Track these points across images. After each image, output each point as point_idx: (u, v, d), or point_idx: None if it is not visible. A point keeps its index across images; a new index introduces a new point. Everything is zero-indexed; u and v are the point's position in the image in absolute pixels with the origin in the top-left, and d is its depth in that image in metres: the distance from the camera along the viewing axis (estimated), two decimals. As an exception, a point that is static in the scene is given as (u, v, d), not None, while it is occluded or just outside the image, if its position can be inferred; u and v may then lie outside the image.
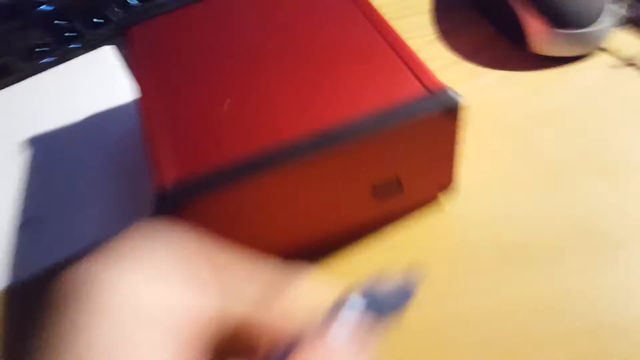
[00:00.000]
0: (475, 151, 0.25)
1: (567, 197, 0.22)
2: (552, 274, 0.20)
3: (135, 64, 0.23)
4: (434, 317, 0.19)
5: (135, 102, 0.22)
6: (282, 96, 0.20)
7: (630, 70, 0.27)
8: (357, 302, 0.12)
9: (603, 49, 0.29)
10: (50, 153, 0.31)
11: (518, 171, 0.24)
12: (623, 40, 0.29)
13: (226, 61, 0.22)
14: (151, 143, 0.19)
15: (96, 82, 0.34)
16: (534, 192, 0.23)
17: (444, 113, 0.19)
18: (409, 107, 0.18)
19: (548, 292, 0.20)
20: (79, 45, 0.37)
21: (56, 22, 0.39)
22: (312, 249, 0.21)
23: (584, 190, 0.23)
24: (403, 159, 0.20)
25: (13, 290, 0.24)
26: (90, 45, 0.37)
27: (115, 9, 0.39)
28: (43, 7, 0.40)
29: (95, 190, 0.28)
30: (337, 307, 0.12)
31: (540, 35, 0.28)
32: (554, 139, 0.25)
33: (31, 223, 0.27)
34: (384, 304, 0.12)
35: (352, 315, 0.12)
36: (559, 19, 0.28)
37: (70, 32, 0.38)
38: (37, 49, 0.37)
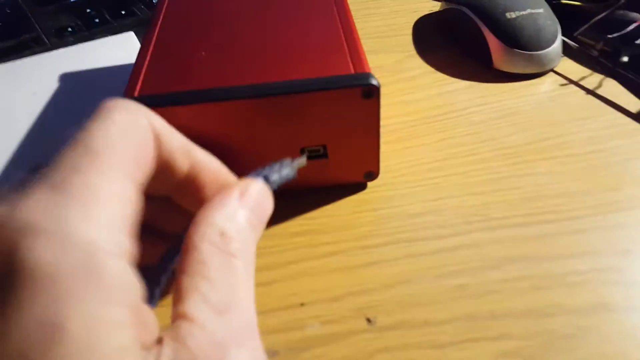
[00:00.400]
0: (439, 139, 0.30)
1: (516, 174, 0.27)
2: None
3: (154, 17, 0.29)
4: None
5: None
6: (245, 54, 0.25)
7: (574, 87, 0.32)
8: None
9: (554, 71, 0.34)
10: (66, 110, 0.35)
11: (477, 155, 0.28)
12: (570, 65, 0.34)
13: (216, 23, 0.28)
14: (133, 70, 0.24)
15: (116, 59, 0.39)
16: (491, 170, 0.27)
17: (362, 90, 0.22)
18: (335, 79, 0.23)
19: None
20: (99, 31, 0.42)
21: (87, 10, 0.44)
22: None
23: (530, 170, 0.27)
24: (329, 129, 0.24)
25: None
26: (114, 32, 0.42)
27: (142, 6, 0.45)
28: (78, -2, 0.46)
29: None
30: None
31: (501, 54, 0.34)
32: (507, 131, 0.29)
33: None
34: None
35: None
36: (518, 42, 0.33)
37: (97, 19, 0.43)
38: (67, 30, 0.42)
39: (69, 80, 0.37)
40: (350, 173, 0.26)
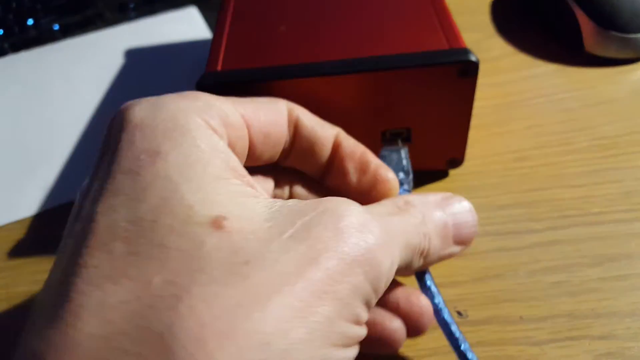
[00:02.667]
0: (526, 126, 0.29)
1: (615, 166, 0.26)
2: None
3: None
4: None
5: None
6: (327, 28, 0.25)
7: (677, 74, 0.32)
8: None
9: (654, 55, 0.33)
10: (132, 85, 0.36)
11: (570, 145, 0.28)
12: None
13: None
14: (212, 45, 0.25)
15: (179, 33, 0.40)
16: (586, 162, 0.27)
17: (459, 68, 0.22)
18: (429, 55, 0.22)
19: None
20: (160, 6, 0.44)
21: (149, -16, 0.46)
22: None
23: (629, 163, 0.26)
24: (416, 111, 0.24)
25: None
26: (175, 6, 0.43)
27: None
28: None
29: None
30: None
31: (594, 37, 0.33)
32: (602, 120, 0.29)
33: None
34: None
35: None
36: (614, 23, 0.32)
37: (159, -7, 0.45)
38: (128, 5, 0.44)
39: (134, 56, 0.39)
40: (432, 159, 0.26)
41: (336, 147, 0.20)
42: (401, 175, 0.22)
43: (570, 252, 0.23)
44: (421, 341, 0.21)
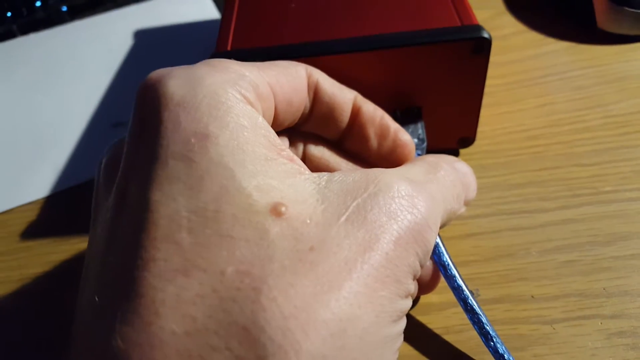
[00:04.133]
0: (538, 104, 0.29)
1: (628, 144, 0.26)
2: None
3: None
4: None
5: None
6: (336, 5, 0.25)
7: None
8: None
9: (669, 31, 0.32)
10: (142, 66, 0.36)
11: (583, 123, 0.27)
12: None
13: None
14: (221, 24, 0.25)
15: (188, 14, 0.39)
16: (599, 140, 0.26)
17: (473, 45, 0.21)
18: (441, 32, 0.22)
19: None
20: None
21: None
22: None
23: None
24: (427, 89, 0.23)
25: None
26: (183, -13, 0.43)
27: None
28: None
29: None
30: None
31: (607, 13, 0.32)
32: (615, 98, 0.28)
33: (122, 125, 0.32)
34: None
35: None
36: (629, -2, 0.31)
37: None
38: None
39: (143, 37, 0.38)
40: (443, 139, 0.26)
41: (356, 112, 0.19)
42: (416, 141, 0.23)
43: (582, 231, 0.22)
44: (434, 320, 0.21)
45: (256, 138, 0.14)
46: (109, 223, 0.14)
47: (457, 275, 0.19)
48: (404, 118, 0.24)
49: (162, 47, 0.37)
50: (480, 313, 0.18)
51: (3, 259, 0.26)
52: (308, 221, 0.13)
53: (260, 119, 0.14)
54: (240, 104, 0.14)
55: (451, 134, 0.26)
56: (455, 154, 0.27)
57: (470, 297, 0.18)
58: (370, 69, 0.23)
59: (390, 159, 0.20)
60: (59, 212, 0.28)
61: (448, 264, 0.18)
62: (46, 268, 0.26)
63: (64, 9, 0.42)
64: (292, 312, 0.11)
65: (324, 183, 0.14)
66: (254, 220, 0.12)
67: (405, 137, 0.19)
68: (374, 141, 0.19)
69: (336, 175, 0.14)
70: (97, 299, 0.12)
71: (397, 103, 0.24)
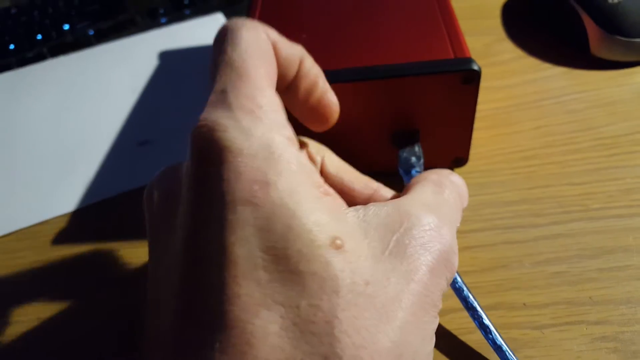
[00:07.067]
0: (534, 127, 0.31)
1: (616, 165, 0.28)
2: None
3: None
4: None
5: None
6: (343, 38, 0.27)
7: (679, 77, 0.33)
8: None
9: (658, 58, 0.34)
10: (165, 87, 0.38)
11: (574, 145, 0.29)
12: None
13: (314, 6, 0.30)
14: None
15: (208, 38, 0.42)
16: (589, 161, 0.28)
17: (462, 76, 0.24)
18: (435, 64, 0.24)
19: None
20: (189, 12, 0.46)
21: (176, -10, 0.48)
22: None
23: (630, 162, 0.28)
24: (423, 114, 0.25)
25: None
26: (202, 12, 0.45)
27: (227, -14, 0.48)
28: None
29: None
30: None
31: (600, 41, 0.34)
32: (606, 121, 0.30)
33: (147, 144, 0.35)
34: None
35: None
36: (619, 28, 0.33)
37: (186, 0, 0.47)
38: (158, 11, 0.46)
39: (165, 60, 0.41)
40: (438, 158, 0.28)
41: (299, 67, 0.20)
42: (414, 159, 0.25)
43: (571, 244, 0.24)
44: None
45: (305, 180, 0.15)
46: (182, 260, 0.15)
47: (457, 277, 0.21)
48: (403, 139, 0.27)
49: (183, 68, 0.40)
50: (480, 310, 0.21)
51: (37, 267, 0.29)
52: (360, 255, 0.15)
53: (303, 159, 0.16)
54: (287, 149, 0.15)
55: (446, 154, 0.28)
56: (455, 172, 0.29)
57: (470, 296, 0.21)
58: (371, 96, 0.25)
59: (313, 115, 0.21)
60: (87, 224, 0.31)
61: None
62: (76, 276, 0.28)
63: (91, 32, 0.45)
64: (362, 343, 0.13)
65: (361, 216, 0.16)
66: (317, 254, 0.14)
67: (332, 99, 0.21)
68: (301, 95, 0.20)
69: (370, 209, 0.16)
70: (188, 330, 0.14)
71: (396, 125, 0.26)
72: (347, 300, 0.14)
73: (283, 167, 0.15)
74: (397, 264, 0.15)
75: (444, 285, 0.16)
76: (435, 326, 0.16)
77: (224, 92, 0.16)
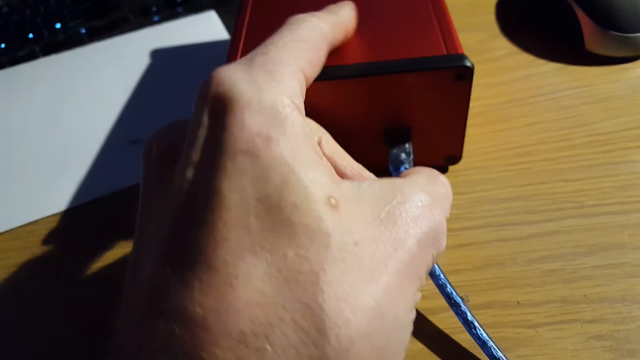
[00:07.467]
0: (527, 123, 0.30)
1: (610, 161, 0.27)
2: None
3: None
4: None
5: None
6: None
7: (674, 72, 0.32)
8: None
9: (652, 53, 0.34)
10: (157, 85, 0.38)
11: (568, 141, 0.29)
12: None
13: (306, 2, 0.28)
14: (230, 47, 0.26)
15: (200, 36, 0.41)
16: (583, 157, 0.28)
17: (455, 73, 0.23)
18: (428, 60, 0.24)
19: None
20: (181, 10, 0.45)
21: (169, -12, 0.47)
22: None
23: (624, 158, 0.27)
24: (415, 111, 0.25)
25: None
26: (195, 10, 0.45)
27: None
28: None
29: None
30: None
31: (595, 36, 0.34)
32: (600, 117, 0.30)
33: (138, 142, 0.34)
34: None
35: None
36: (614, 23, 0.33)
37: (179, -3, 0.46)
38: (151, 9, 0.45)
39: (157, 58, 0.40)
40: (431, 156, 0.28)
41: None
42: (404, 156, 0.25)
43: (565, 242, 0.24)
44: (427, 323, 0.22)
45: (307, 145, 0.15)
46: (175, 205, 0.15)
47: (441, 274, 0.21)
48: (395, 136, 0.26)
49: (175, 66, 0.39)
50: (464, 306, 0.20)
51: (27, 267, 0.28)
52: (352, 218, 0.15)
53: (308, 128, 0.16)
54: (294, 113, 0.16)
55: (439, 152, 0.28)
56: (445, 170, 0.28)
57: (454, 292, 0.21)
58: (362, 93, 0.25)
59: None
60: (78, 224, 0.30)
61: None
62: (66, 276, 0.27)
63: (83, 31, 0.45)
64: (344, 297, 0.13)
65: (356, 187, 0.16)
66: (312, 208, 0.14)
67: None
68: None
69: (365, 183, 0.17)
70: (169, 270, 0.14)
71: (388, 123, 0.26)
72: (335, 256, 0.14)
73: (287, 128, 0.15)
74: (386, 232, 0.15)
75: (429, 260, 0.16)
76: (418, 300, 0.16)
77: (252, 55, 0.17)
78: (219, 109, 0.15)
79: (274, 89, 0.16)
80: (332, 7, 0.23)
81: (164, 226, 0.15)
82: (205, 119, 0.15)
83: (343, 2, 0.24)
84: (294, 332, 0.13)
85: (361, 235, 0.15)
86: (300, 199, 0.14)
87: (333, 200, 0.15)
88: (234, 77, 0.16)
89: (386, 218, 0.16)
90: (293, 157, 0.15)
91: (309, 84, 0.19)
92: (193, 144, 0.15)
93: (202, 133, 0.15)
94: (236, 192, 0.14)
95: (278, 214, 0.14)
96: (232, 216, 0.14)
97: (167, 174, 0.16)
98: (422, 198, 0.17)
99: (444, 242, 0.17)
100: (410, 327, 0.16)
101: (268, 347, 0.13)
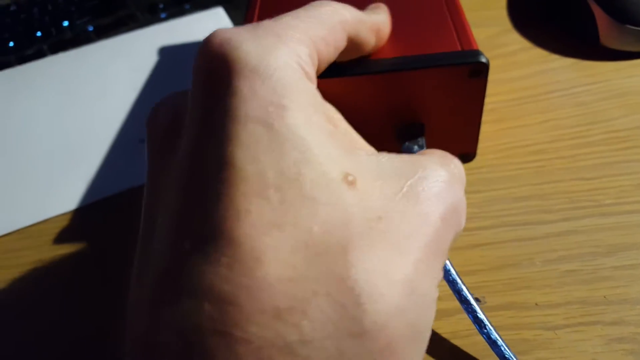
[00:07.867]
0: (542, 120, 0.30)
1: (628, 159, 0.27)
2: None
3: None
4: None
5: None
6: None
7: (692, 66, 0.31)
8: None
9: (669, 48, 0.33)
10: (165, 82, 0.38)
11: (585, 138, 0.28)
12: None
13: None
14: None
15: (207, 32, 0.41)
16: (600, 155, 0.27)
17: (470, 69, 0.23)
18: (442, 56, 0.23)
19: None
20: (189, 7, 0.45)
21: (176, -15, 0.47)
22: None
23: None
24: (429, 108, 0.24)
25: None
26: (203, 7, 0.44)
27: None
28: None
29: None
30: None
31: (610, 30, 0.33)
32: (617, 113, 0.29)
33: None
34: None
35: None
36: (630, 17, 0.32)
37: (187, -6, 0.46)
38: (158, 6, 0.45)
39: (165, 55, 0.40)
40: None
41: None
42: (416, 148, 0.24)
43: (583, 242, 0.23)
44: (442, 325, 0.22)
45: (321, 114, 0.15)
46: (184, 177, 0.14)
47: (451, 269, 0.20)
48: (407, 133, 0.25)
49: (183, 63, 0.39)
50: (474, 303, 0.20)
51: (38, 266, 0.28)
52: (372, 194, 0.14)
53: (320, 97, 0.15)
54: (303, 80, 0.15)
55: (453, 149, 0.27)
56: (463, 167, 0.28)
57: (464, 289, 0.20)
58: (376, 90, 0.24)
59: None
60: (89, 222, 0.30)
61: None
62: (78, 275, 0.27)
63: (90, 28, 0.44)
64: (376, 270, 0.13)
65: (374, 160, 0.15)
66: (330, 187, 0.13)
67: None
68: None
69: (384, 157, 0.16)
70: (187, 245, 0.13)
71: (402, 120, 0.25)
72: (360, 232, 0.13)
73: (299, 96, 0.14)
74: (409, 206, 0.15)
75: (451, 237, 0.16)
76: (441, 278, 0.15)
77: (259, 22, 0.16)
78: (223, 70, 0.14)
79: (284, 52, 0.15)
80: (369, 6, 0.22)
81: (174, 200, 0.14)
82: (208, 82, 0.14)
83: (379, 5, 0.22)
84: (330, 307, 0.12)
85: (384, 210, 0.14)
86: (317, 175, 0.13)
87: (350, 177, 0.14)
88: (239, 37, 0.15)
89: (408, 193, 0.15)
90: (307, 129, 0.14)
91: (322, 63, 0.17)
92: (197, 112, 0.14)
93: (207, 99, 0.14)
94: (251, 163, 0.13)
95: (297, 189, 0.13)
96: (251, 188, 0.13)
97: (174, 141, 0.15)
98: (442, 174, 0.16)
99: (464, 220, 0.16)
100: (435, 306, 0.15)
101: (305, 322, 0.12)
